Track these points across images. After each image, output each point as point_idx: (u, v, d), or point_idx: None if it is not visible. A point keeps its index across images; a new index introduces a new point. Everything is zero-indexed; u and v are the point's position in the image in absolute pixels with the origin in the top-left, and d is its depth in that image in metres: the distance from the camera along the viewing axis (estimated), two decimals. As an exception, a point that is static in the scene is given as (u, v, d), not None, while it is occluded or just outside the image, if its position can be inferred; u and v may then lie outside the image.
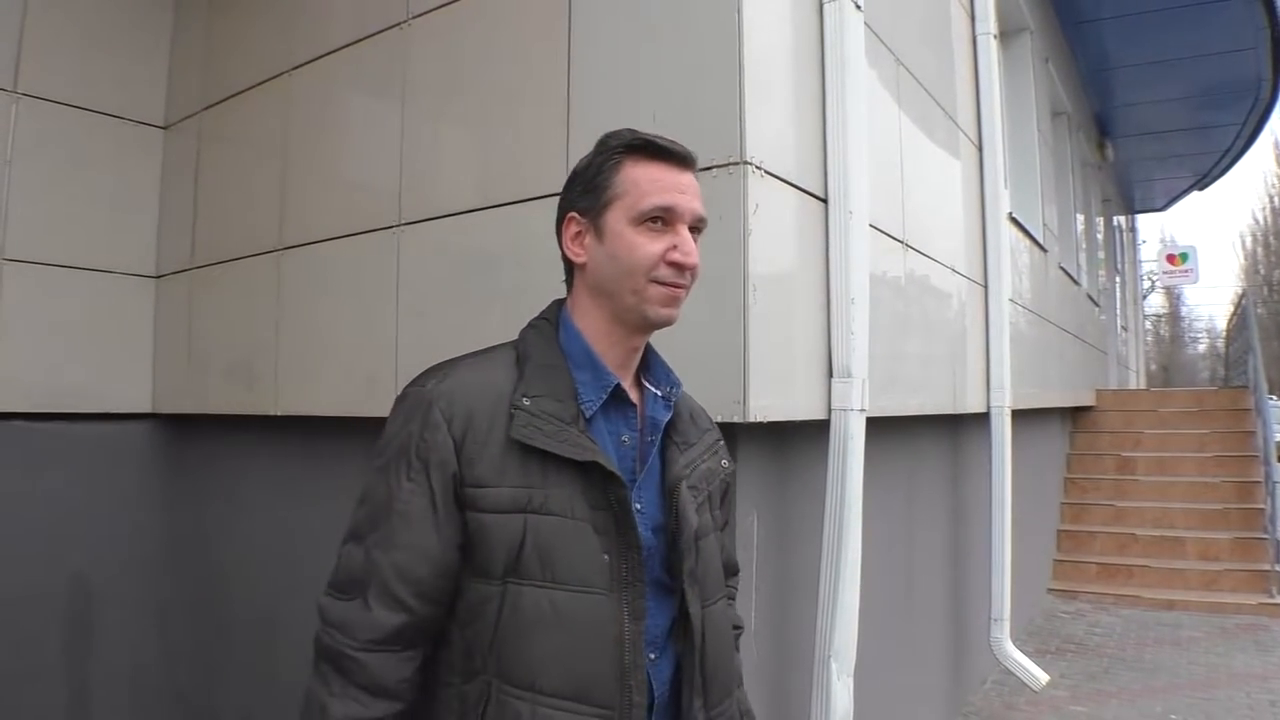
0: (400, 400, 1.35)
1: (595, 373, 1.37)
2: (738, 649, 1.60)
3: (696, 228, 1.38)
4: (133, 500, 4.26)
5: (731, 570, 1.63)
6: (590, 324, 1.40)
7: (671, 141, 1.37)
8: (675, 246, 1.33)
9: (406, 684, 1.29)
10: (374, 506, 1.32)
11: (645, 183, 1.33)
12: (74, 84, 4.10)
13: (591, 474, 1.29)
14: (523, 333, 1.44)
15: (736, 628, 1.61)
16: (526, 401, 1.30)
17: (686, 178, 1.37)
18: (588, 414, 1.34)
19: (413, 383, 1.37)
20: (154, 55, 4.45)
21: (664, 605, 1.36)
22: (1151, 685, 5.63)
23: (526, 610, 1.26)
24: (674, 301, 1.36)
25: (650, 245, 1.32)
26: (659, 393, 1.45)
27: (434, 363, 1.41)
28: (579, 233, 1.38)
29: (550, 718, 1.24)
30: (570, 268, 1.43)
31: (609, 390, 1.37)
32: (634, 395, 1.43)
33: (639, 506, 1.35)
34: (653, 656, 1.33)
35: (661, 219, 1.33)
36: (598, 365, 1.37)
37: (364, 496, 1.34)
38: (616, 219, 1.33)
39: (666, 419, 1.43)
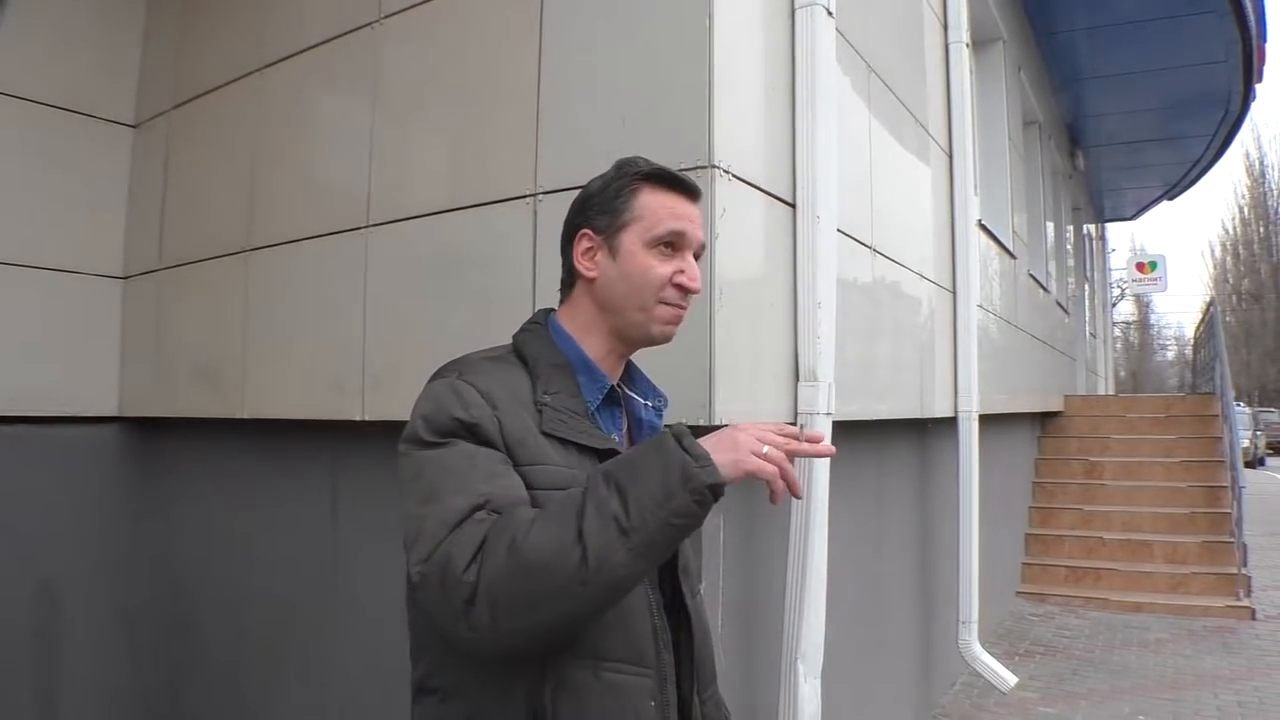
0: (428, 391, 1.37)
1: (591, 375, 1.47)
2: None
3: (697, 254, 1.49)
4: (99, 504, 4.21)
5: (695, 574, 1.70)
6: (587, 333, 1.49)
7: (683, 174, 1.49)
8: (682, 270, 1.45)
9: None
10: (442, 468, 1.28)
11: (661, 210, 1.44)
12: (42, 81, 4.05)
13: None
14: (519, 337, 1.52)
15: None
16: (548, 398, 1.39)
17: (694, 209, 1.48)
18: (590, 410, 1.44)
19: (433, 379, 1.40)
20: (125, 53, 4.39)
21: (657, 593, 1.43)
22: (1119, 687, 5.69)
23: None
24: (676, 321, 1.48)
25: (661, 267, 1.43)
26: (647, 403, 1.56)
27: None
28: (590, 249, 1.47)
29: (613, 681, 1.31)
30: (573, 281, 1.52)
31: (604, 391, 1.47)
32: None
33: None
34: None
35: (672, 244, 1.44)
36: (593, 368, 1.47)
37: (419, 471, 1.29)
38: (632, 240, 1.43)
39: (662, 426, 1.54)
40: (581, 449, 1.37)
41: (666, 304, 1.45)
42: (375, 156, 3.28)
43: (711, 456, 1.22)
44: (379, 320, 3.19)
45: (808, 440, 1.31)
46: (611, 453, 1.37)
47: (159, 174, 4.22)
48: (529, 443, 1.33)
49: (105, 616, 4.18)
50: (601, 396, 1.46)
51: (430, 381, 1.40)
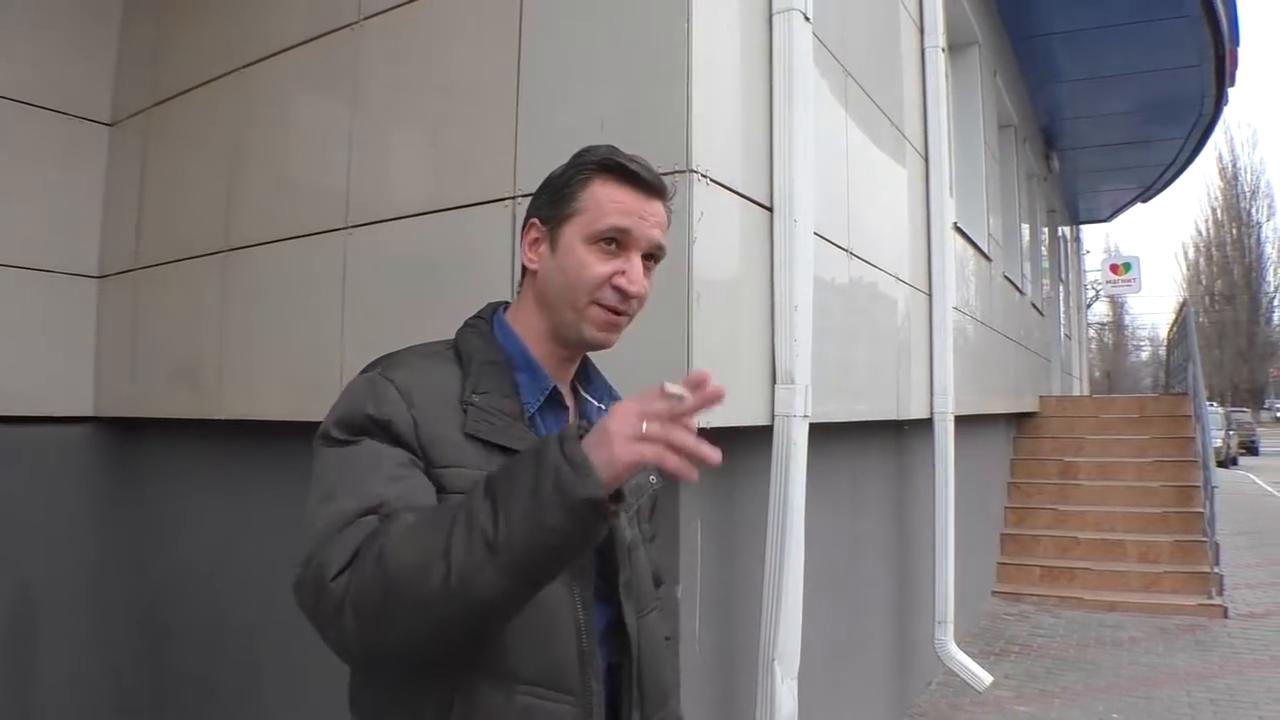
0: (349, 387, 1.31)
1: (534, 375, 1.37)
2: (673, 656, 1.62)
3: (653, 255, 1.37)
4: (74, 505, 4.18)
5: (659, 581, 1.62)
6: (530, 330, 1.40)
7: (646, 168, 1.36)
8: (623, 272, 1.32)
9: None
10: (345, 467, 1.22)
11: (607, 203, 1.32)
12: (17, 78, 4.02)
13: None
14: (460, 332, 1.43)
15: (667, 638, 1.60)
16: (476, 398, 1.29)
17: (653, 206, 1.35)
18: (528, 413, 1.34)
19: (360, 373, 1.34)
20: (101, 50, 4.36)
21: (601, 610, 1.34)
22: (1093, 685, 5.75)
23: None
24: (612, 327, 1.35)
25: (598, 266, 1.31)
26: (600, 405, 1.45)
27: None
28: (536, 239, 1.39)
29: (527, 705, 1.22)
30: (524, 271, 1.44)
31: (546, 393, 1.37)
32: (569, 403, 1.43)
33: None
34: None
35: (616, 241, 1.32)
36: (536, 368, 1.38)
37: (324, 470, 1.24)
38: (572, 233, 1.33)
39: None
40: (509, 453, 1.24)
41: (601, 306, 1.32)
42: (354, 158, 3.27)
43: (592, 461, 1.05)
44: (357, 322, 3.19)
45: (695, 386, 1.05)
46: None
47: (136, 173, 4.20)
48: (447, 444, 1.25)
49: (82, 617, 4.15)
50: (543, 398, 1.36)
51: (356, 376, 1.34)
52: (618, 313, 1.34)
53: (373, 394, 1.27)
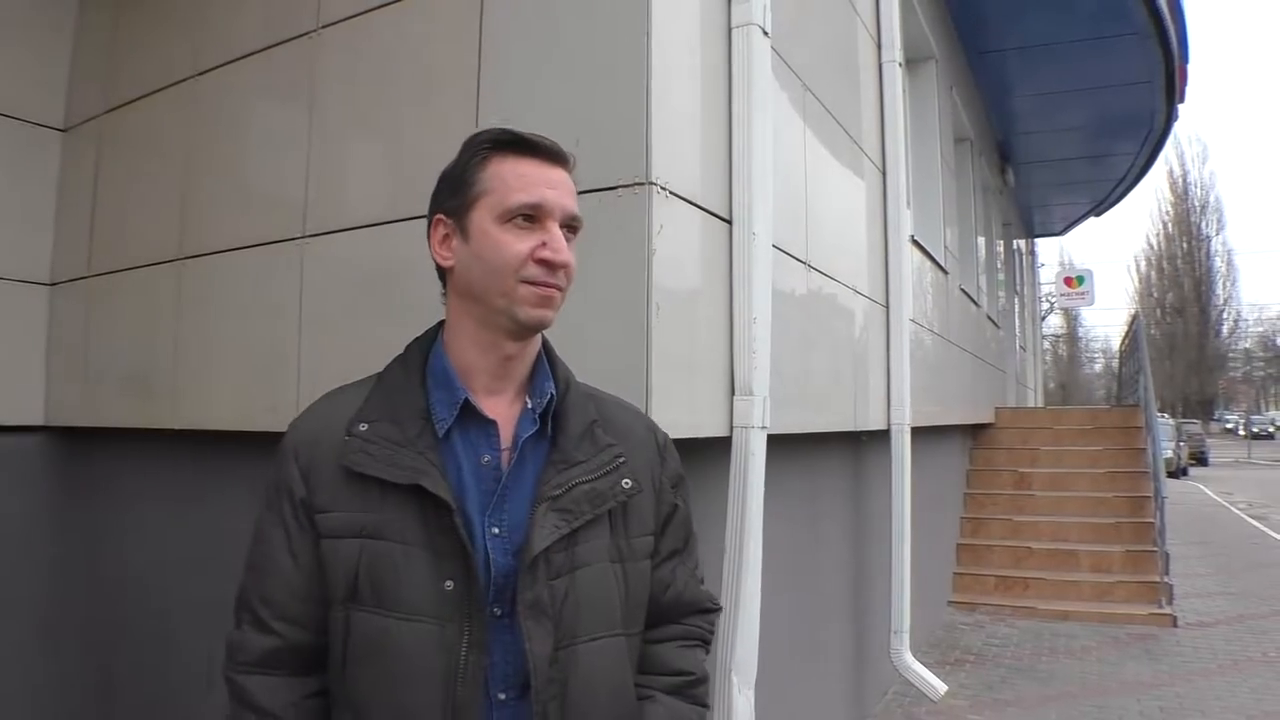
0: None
1: (449, 389, 1.33)
2: (694, 700, 1.48)
3: (571, 226, 1.33)
4: (24, 515, 4.10)
5: (688, 609, 1.54)
6: (460, 334, 1.36)
7: (542, 137, 1.33)
8: (544, 244, 1.28)
9: (294, 709, 1.31)
10: (253, 537, 1.36)
11: (512, 178, 1.28)
12: (-33, 83, 3.95)
13: (429, 497, 1.25)
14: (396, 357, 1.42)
15: (683, 673, 1.48)
16: (363, 427, 1.29)
17: (558, 174, 1.32)
18: (440, 432, 1.30)
19: None
20: (55, 54, 4.29)
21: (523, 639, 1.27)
22: (1047, 694, 5.81)
23: (358, 637, 1.26)
24: (547, 302, 1.30)
25: (517, 244, 1.27)
26: (530, 406, 1.36)
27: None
28: (446, 235, 1.34)
29: None
30: (442, 275, 1.39)
31: (458, 406, 1.31)
32: (514, 410, 1.36)
33: (496, 530, 1.28)
34: (502, 696, 1.26)
35: (530, 215, 1.28)
36: (451, 381, 1.33)
37: (257, 518, 1.37)
38: (482, 217, 1.29)
39: (528, 434, 1.34)
40: (393, 486, 1.25)
41: (530, 284, 1.27)
42: (312, 167, 3.25)
43: None
44: (314, 331, 3.16)
45: None
46: (418, 489, 1.24)
47: (89, 179, 4.13)
48: (326, 486, 1.29)
49: (31, 626, 4.07)
50: (455, 413, 1.31)
51: None
52: (549, 285, 1.29)
53: (280, 452, 1.35)
